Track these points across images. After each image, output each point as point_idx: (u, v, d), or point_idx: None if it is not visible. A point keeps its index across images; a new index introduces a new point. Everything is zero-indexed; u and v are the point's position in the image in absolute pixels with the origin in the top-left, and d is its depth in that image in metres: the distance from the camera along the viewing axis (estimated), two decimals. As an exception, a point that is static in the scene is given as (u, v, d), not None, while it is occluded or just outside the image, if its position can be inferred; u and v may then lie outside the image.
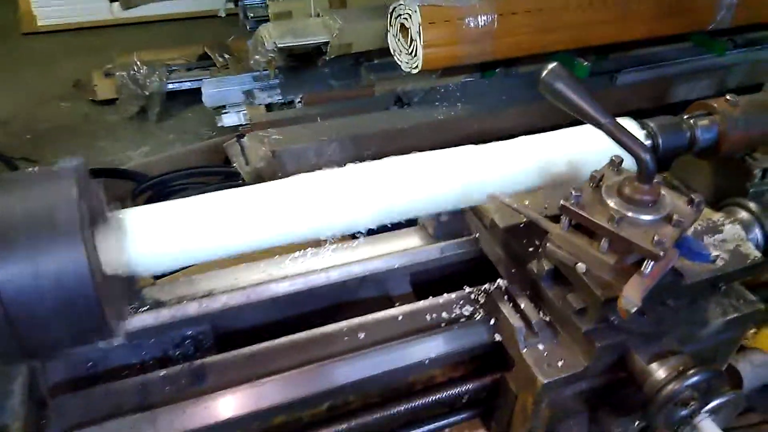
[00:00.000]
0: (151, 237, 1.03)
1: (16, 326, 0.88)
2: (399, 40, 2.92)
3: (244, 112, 3.91)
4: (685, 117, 1.42)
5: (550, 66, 1.12)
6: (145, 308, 1.27)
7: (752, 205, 1.34)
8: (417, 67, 2.82)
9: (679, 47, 3.55)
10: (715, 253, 1.21)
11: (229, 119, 4.06)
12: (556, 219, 1.17)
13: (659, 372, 1.14)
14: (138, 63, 4.37)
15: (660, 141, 1.37)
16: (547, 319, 1.24)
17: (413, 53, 2.81)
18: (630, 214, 1.07)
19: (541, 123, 3.50)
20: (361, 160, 3.42)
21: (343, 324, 1.27)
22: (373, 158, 3.51)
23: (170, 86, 4.52)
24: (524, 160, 1.28)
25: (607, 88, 3.33)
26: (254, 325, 1.36)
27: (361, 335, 1.26)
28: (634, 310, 1.03)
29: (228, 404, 1.11)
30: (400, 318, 1.30)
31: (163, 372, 1.15)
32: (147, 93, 4.44)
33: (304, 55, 3.66)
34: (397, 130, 3.24)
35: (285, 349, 1.22)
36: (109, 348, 1.22)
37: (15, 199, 0.90)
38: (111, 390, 1.13)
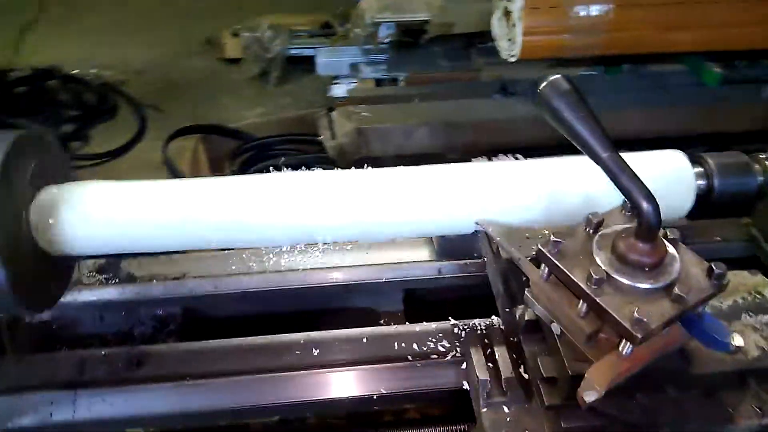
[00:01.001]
0: (81, 216, 0.98)
1: None
2: (501, 24, 2.68)
3: (355, 83, 3.86)
4: (763, 156, 1.12)
5: (551, 77, 0.91)
6: (114, 281, 1.26)
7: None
8: (515, 55, 2.57)
9: None
10: (739, 341, 0.92)
11: (338, 90, 4.02)
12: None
13: (637, 474, 0.91)
14: (264, 25, 4.47)
15: (716, 183, 1.09)
16: (527, 377, 1.05)
17: (512, 40, 2.56)
18: (617, 276, 0.85)
19: (666, 130, 3.11)
20: (451, 149, 3.23)
21: (300, 336, 1.16)
22: (464, 148, 3.31)
23: (292, 51, 4.57)
24: (527, 187, 1.07)
25: (747, 101, 2.82)
26: (224, 317, 1.30)
27: (316, 351, 1.14)
28: (592, 399, 0.82)
29: (149, 401, 1.06)
30: (364, 340, 1.16)
31: (103, 351, 1.13)
32: (269, 56, 4.53)
33: (418, 31, 3.52)
34: (494, 121, 3.01)
35: (230, 351, 1.14)
36: (74, 315, 1.23)
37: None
38: (51, 359, 1.12)
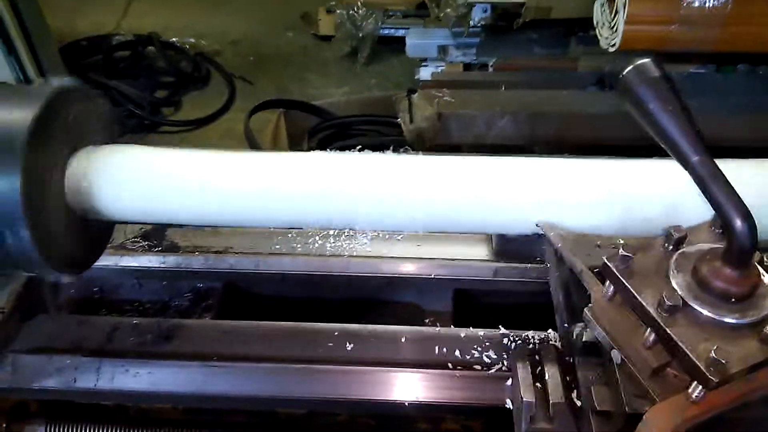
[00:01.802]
0: (114, 179, 0.94)
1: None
2: (604, 11, 2.46)
3: (443, 67, 3.74)
4: None
5: (639, 61, 0.77)
6: (158, 249, 1.23)
7: None
8: (615, 45, 2.35)
9: None
10: None
11: (426, 72, 3.92)
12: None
13: None
14: (359, 3, 4.42)
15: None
16: (579, 404, 0.92)
17: (614, 28, 2.35)
18: (696, 304, 0.71)
19: (769, 143, 2.79)
20: (536, 141, 3.04)
21: (335, 327, 1.08)
22: (549, 142, 3.11)
23: (383, 31, 4.50)
24: (605, 186, 0.93)
25: None
26: (264, 296, 1.25)
27: (349, 346, 1.06)
28: (649, 447, 0.69)
29: (170, 378, 1.01)
30: (402, 339, 1.07)
31: (135, 320, 1.10)
32: (361, 34, 4.48)
33: (509, 15, 3.34)
34: (585, 115, 2.79)
35: (261, 335, 1.08)
36: (116, 280, 1.22)
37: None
38: (84, 323, 1.10)
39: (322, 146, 3.58)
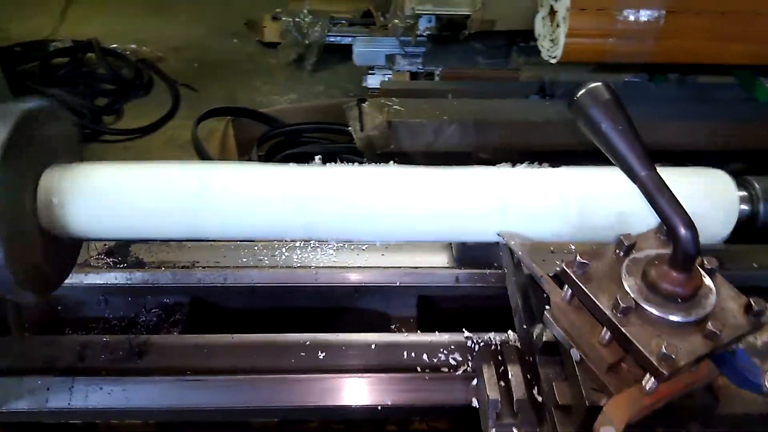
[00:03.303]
0: (87, 197, 0.95)
1: None
2: (545, 24, 2.59)
3: (389, 75, 3.81)
4: (816, 183, 1.03)
5: (591, 85, 0.84)
6: (123, 265, 1.23)
7: None
8: (556, 57, 2.48)
9: None
10: (777, 384, 0.85)
11: (373, 80, 3.98)
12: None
13: None
14: (306, 11, 4.44)
15: (762, 209, 1.00)
16: (540, 399, 0.99)
17: (555, 41, 2.47)
18: (646, 305, 0.79)
19: (704, 144, 2.98)
20: (482, 148, 3.14)
21: (306, 337, 1.12)
22: (495, 149, 3.20)
23: (330, 38, 4.53)
24: (560, 195, 1.00)
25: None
26: (231, 309, 1.26)
27: (321, 355, 1.10)
28: (610, 436, 0.76)
29: (145, 394, 1.02)
30: (372, 347, 1.11)
31: (105, 338, 1.10)
32: (307, 42, 4.50)
33: (459, 25, 3.44)
34: (528, 123, 2.91)
35: (234, 347, 1.10)
36: (79, 297, 1.21)
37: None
38: (54, 342, 1.10)
39: (271, 154, 3.58)
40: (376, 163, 1.08)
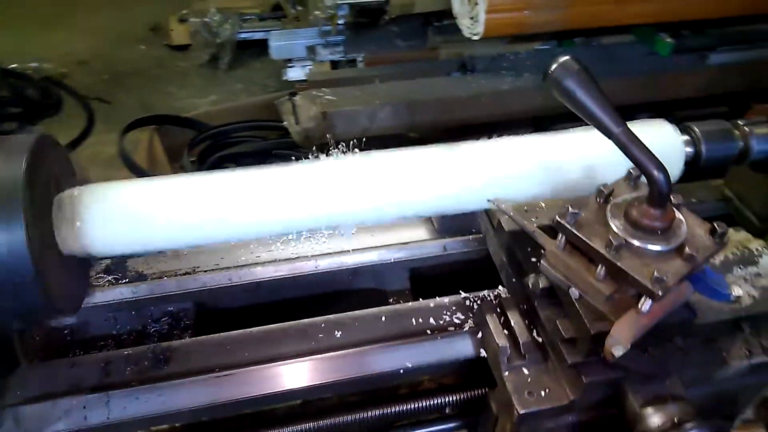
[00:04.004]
0: (109, 215, 0.98)
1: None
2: (463, 2, 2.73)
3: (310, 67, 3.84)
4: (741, 123, 1.21)
5: (561, 59, 0.96)
6: (125, 281, 1.25)
7: (803, 235, 1.14)
8: (478, 33, 2.62)
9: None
10: (739, 291, 1.03)
11: (293, 73, 4.00)
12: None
13: (653, 418, 1.00)
14: (212, 10, 4.38)
15: (704, 149, 1.18)
16: (540, 340, 1.12)
17: (475, 18, 2.62)
18: (633, 240, 0.93)
19: (615, 99, 3.25)
20: (415, 128, 3.26)
21: (321, 319, 1.20)
22: (428, 127, 3.34)
23: (242, 35, 4.50)
24: (529, 162, 1.13)
25: (695, 68, 2.98)
26: (237, 308, 1.32)
27: (338, 333, 1.18)
28: (620, 353, 0.90)
29: (183, 395, 1.07)
30: (383, 319, 1.21)
31: (127, 351, 1.13)
32: (219, 41, 4.45)
33: (374, 11, 3.53)
34: (456, 99, 3.06)
35: (255, 339, 1.17)
36: (85, 318, 1.23)
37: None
38: (75, 363, 1.12)
39: (204, 157, 3.55)
40: (315, 154, 1.15)
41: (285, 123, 3.14)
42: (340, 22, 3.43)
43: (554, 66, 0.96)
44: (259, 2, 4.71)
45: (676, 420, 0.97)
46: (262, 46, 4.56)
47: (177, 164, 3.63)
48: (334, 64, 3.77)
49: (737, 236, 1.16)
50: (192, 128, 3.75)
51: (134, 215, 0.99)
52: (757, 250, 1.12)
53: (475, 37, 2.65)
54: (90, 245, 0.98)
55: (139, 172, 3.31)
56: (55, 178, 0.99)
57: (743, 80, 3.05)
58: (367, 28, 3.54)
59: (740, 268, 1.10)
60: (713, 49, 3.00)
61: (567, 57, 0.96)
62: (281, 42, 3.95)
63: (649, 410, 1.01)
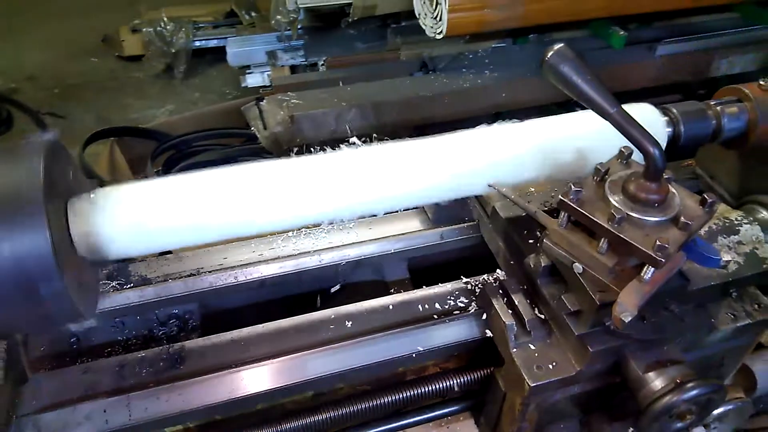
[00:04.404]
0: (125, 216, 0.99)
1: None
2: (425, 3, 2.79)
3: (269, 72, 3.85)
4: (712, 103, 1.31)
5: (556, 47, 1.02)
6: (129, 285, 1.25)
7: (775, 204, 1.23)
8: (441, 32, 2.69)
9: (725, 18, 3.31)
10: (726, 257, 1.12)
11: (252, 80, 4.00)
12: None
13: (655, 382, 1.07)
14: (165, 19, 4.32)
15: (682, 129, 1.26)
16: (543, 317, 1.18)
17: (438, 17, 2.68)
18: (633, 213, 0.99)
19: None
20: (381, 128, 3.32)
21: (330, 312, 1.23)
22: (394, 126, 3.39)
23: (196, 43, 4.46)
24: (526, 147, 1.19)
25: (645, 59, 3.14)
26: (242, 306, 1.33)
27: (349, 324, 1.21)
28: (629, 319, 0.96)
29: (203, 392, 1.08)
30: (390, 307, 1.25)
31: (141, 353, 1.13)
32: (173, 50, 4.40)
33: (330, 15, 3.56)
34: (420, 97, 3.12)
35: (268, 335, 1.18)
36: (91, 325, 1.21)
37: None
38: (88, 369, 1.11)
39: (168, 167, 3.50)
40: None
41: (252, 128, 3.13)
42: (300, 26, 3.45)
43: (550, 54, 1.02)
44: (212, 10, 4.68)
45: (678, 381, 1.04)
46: (216, 53, 4.54)
47: (141, 175, 3.56)
48: (294, 69, 3.79)
49: (719, 208, 1.24)
50: (153, 139, 3.68)
51: (149, 215, 0.99)
52: (736, 219, 1.21)
53: (439, 36, 2.71)
54: (107, 247, 0.98)
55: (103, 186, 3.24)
56: (65, 181, 0.99)
57: (689, 70, 3.22)
58: (327, 32, 3.57)
59: (723, 237, 1.18)
60: (660, 41, 3.15)
61: (562, 45, 1.02)
62: (239, 48, 3.94)
63: (651, 375, 1.08)
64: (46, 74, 4.40)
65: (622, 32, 2.87)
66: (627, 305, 0.97)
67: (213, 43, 4.53)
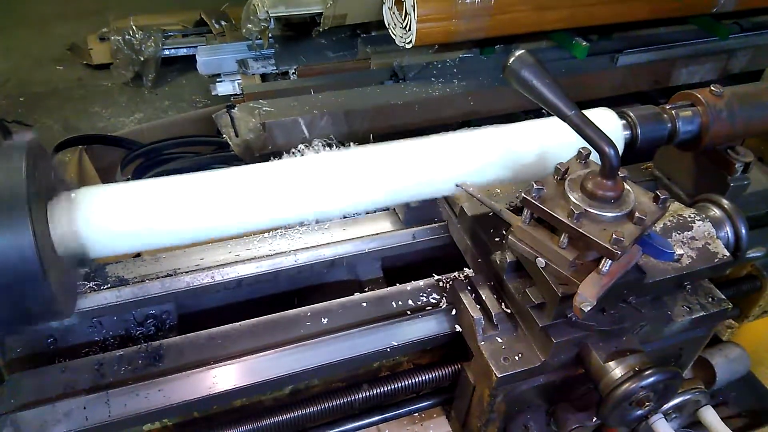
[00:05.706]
0: (107, 216, 1.01)
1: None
2: (394, 13, 2.86)
3: (239, 81, 3.87)
4: (668, 107, 1.39)
5: (518, 53, 1.09)
6: (107, 286, 1.27)
7: (725, 202, 1.31)
8: (411, 42, 2.76)
9: (683, 29, 3.46)
10: (680, 251, 1.19)
11: (223, 88, 4.02)
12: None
13: (615, 371, 1.13)
14: (133, 27, 4.31)
15: (639, 132, 1.34)
16: (509, 311, 1.23)
17: (407, 27, 2.75)
18: (591, 209, 1.06)
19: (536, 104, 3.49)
20: (353, 135, 3.38)
21: (306, 309, 1.26)
22: (365, 134, 3.45)
23: (166, 52, 4.46)
24: (491, 150, 1.25)
25: (607, 69, 3.26)
26: (219, 306, 1.36)
27: (325, 320, 1.25)
28: (589, 309, 1.02)
29: (183, 387, 1.11)
30: (364, 304, 1.29)
31: (120, 352, 1.15)
32: (142, 58, 4.39)
33: (300, 24, 3.60)
34: (390, 105, 3.18)
35: (245, 332, 1.22)
36: (69, 325, 1.23)
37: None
38: (67, 368, 1.13)
39: (138, 175, 3.49)
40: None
41: (224, 136, 3.15)
42: (270, 35, 3.48)
43: (512, 59, 1.08)
44: (181, 19, 4.68)
45: (637, 369, 1.11)
46: (185, 62, 4.55)
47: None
48: (264, 78, 3.82)
49: (672, 206, 1.32)
50: (122, 147, 3.67)
51: (130, 214, 1.02)
52: (690, 216, 1.28)
53: (408, 46, 2.78)
54: (88, 246, 1.01)
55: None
56: (47, 181, 1.01)
57: (650, 79, 3.35)
58: (298, 41, 3.62)
59: (677, 233, 1.26)
60: (621, 52, 3.27)
61: (523, 51, 1.09)
62: (209, 57, 3.96)
63: (611, 364, 1.15)
64: (12, 83, 4.35)
65: (584, 43, 2.98)
66: (586, 295, 1.03)
67: (183, 52, 4.54)
